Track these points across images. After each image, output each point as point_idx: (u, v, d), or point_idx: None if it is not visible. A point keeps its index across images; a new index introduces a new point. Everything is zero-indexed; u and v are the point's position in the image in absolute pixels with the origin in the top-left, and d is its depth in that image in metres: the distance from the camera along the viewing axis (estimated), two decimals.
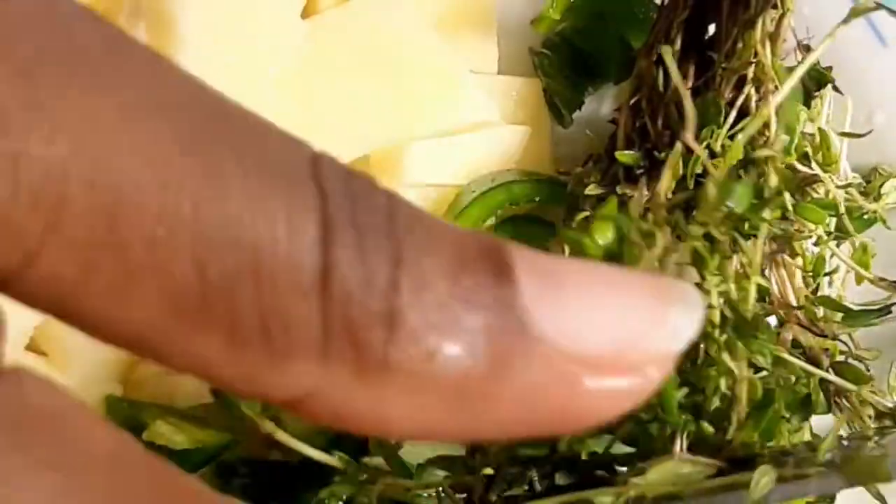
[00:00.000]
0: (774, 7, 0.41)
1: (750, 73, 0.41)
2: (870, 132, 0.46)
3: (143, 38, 0.45)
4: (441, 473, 0.37)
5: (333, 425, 0.18)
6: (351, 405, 0.18)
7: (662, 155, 0.46)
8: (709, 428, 0.36)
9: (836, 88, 0.45)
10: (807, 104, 0.46)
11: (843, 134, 0.45)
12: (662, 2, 0.50)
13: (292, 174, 0.17)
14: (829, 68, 0.45)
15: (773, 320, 0.46)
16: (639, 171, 0.47)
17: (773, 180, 0.37)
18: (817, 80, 0.46)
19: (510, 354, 0.18)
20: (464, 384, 0.18)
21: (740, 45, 0.41)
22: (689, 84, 0.47)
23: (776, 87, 0.40)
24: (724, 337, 0.35)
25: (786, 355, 0.44)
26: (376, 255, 0.17)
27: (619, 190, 0.47)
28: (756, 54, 0.41)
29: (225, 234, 0.17)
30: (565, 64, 0.53)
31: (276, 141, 0.18)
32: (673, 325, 0.20)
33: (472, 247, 0.18)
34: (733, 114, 0.43)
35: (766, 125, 0.39)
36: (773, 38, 0.41)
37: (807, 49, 0.46)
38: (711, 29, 0.47)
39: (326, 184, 0.17)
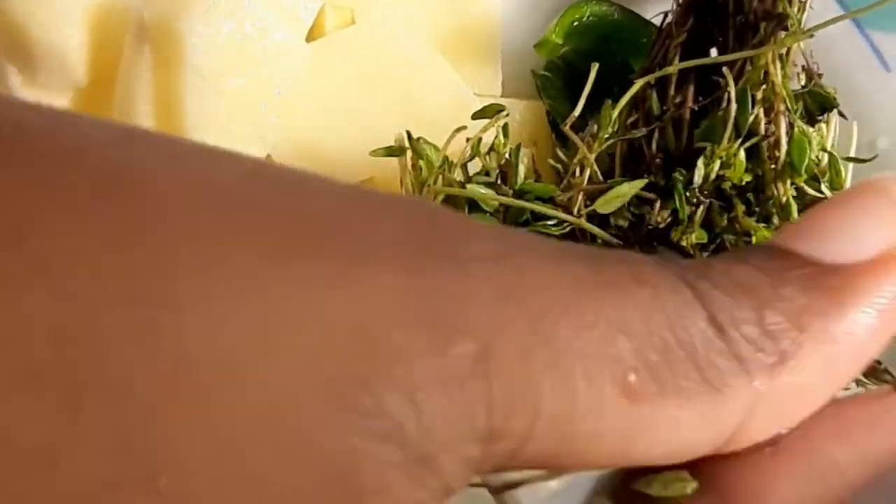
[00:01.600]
0: (785, 29, 0.41)
1: (759, 94, 0.41)
2: (875, 157, 0.46)
3: (149, 60, 0.45)
4: None
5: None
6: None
7: (653, 178, 0.46)
8: None
9: (841, 113, 0.45)
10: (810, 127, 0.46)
11: (848, 159, 0.45)
12: (660, 27, 0.50)
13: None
14: (835, 91, 0.46)
15: None
16: None
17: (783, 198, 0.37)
18: (821, 104, 0.46)
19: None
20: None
21: (749, 67, 0.42)
22: (689, 105, 0.47)
23: (787, 109, 0.41)
24: None
25: None
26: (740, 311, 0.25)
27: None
28: (766, 76, 0.41)
29: None
30: (567, 86, 0.53)
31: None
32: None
33: (757, 272, 0.25)
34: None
35: (777, 146, 0.40)
36: (784, 60, 0.41)
37: (810, 72, 0.46)
38: (713, 52, 0.48)
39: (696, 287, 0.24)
